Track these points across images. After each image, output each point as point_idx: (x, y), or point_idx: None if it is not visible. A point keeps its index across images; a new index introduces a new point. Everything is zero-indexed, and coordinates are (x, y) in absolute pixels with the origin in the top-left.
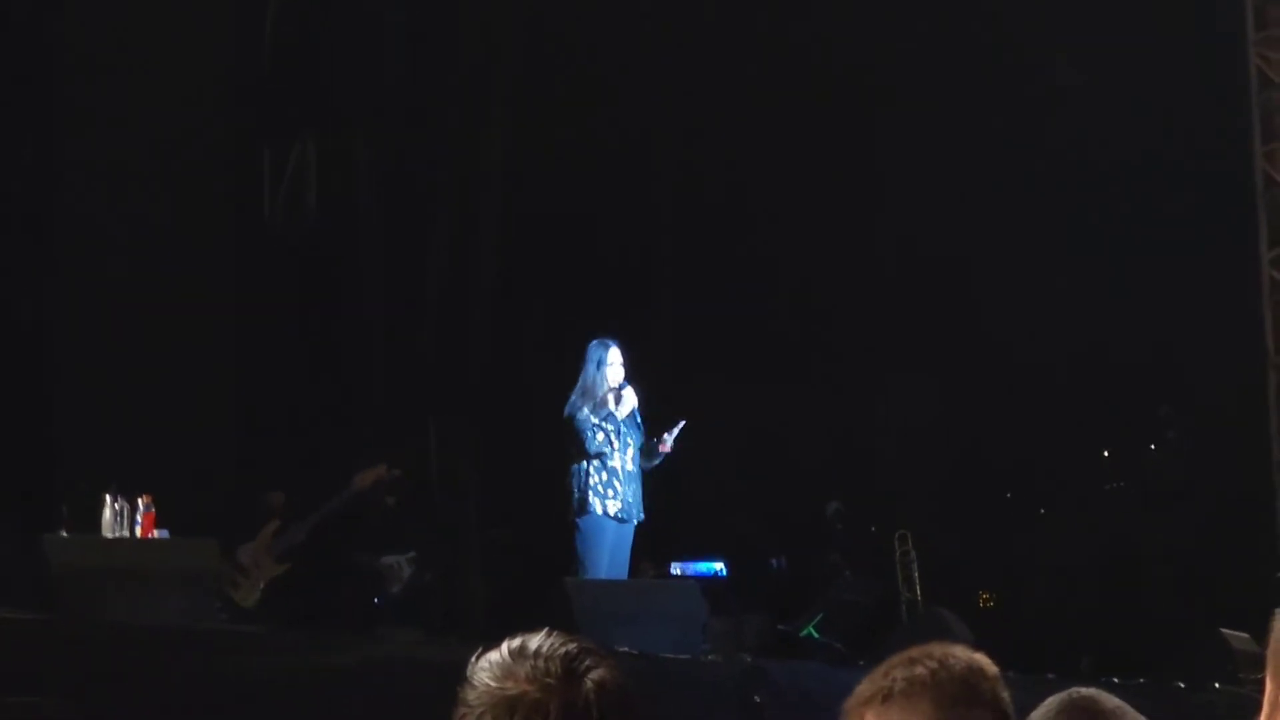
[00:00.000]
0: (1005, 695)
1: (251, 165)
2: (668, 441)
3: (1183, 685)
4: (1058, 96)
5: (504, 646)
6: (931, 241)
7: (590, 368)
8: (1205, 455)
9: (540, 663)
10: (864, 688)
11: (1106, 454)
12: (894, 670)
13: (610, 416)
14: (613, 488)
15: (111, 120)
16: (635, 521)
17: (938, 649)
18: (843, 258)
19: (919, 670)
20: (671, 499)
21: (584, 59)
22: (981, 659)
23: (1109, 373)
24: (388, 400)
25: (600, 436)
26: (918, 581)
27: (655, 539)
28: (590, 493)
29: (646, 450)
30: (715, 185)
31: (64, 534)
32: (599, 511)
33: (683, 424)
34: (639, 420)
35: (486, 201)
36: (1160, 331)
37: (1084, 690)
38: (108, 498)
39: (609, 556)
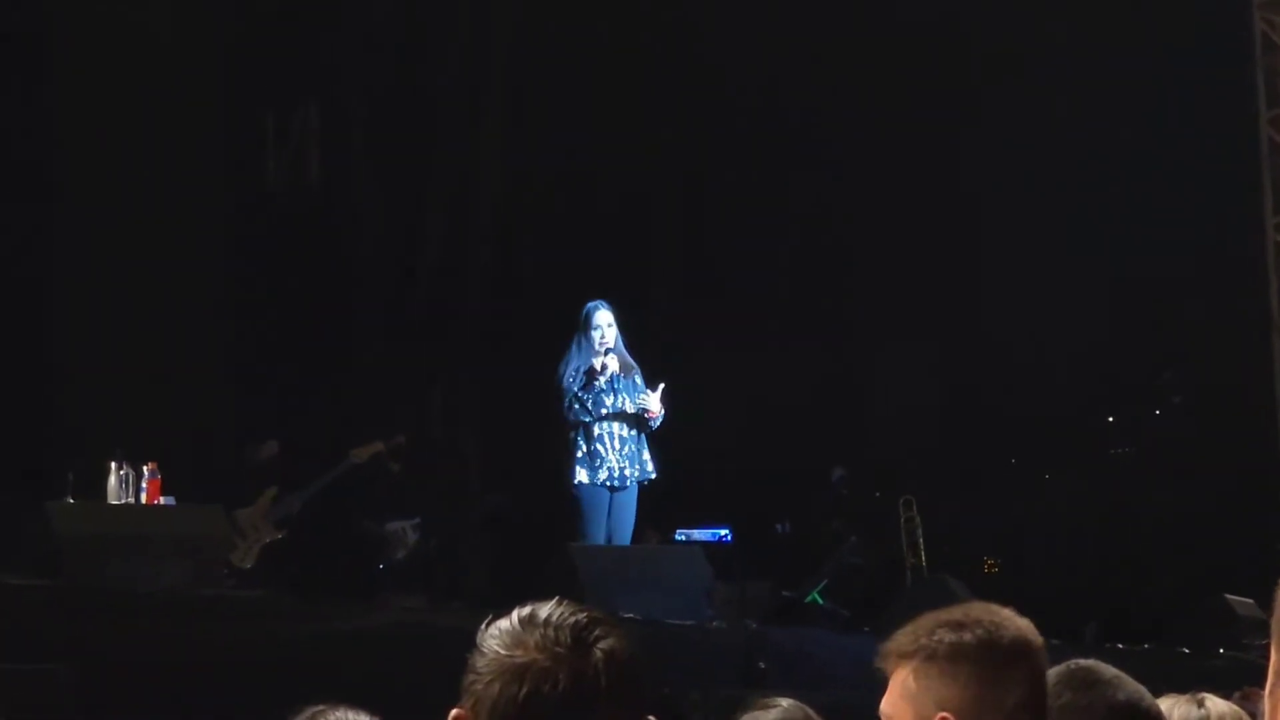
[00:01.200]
0: (1047, 668)
1: (253, 130)
2: (652, 407)
3: (1187, 651)
4: (1058, 63)
5: (514, 615)
6: (933, 204)
7: (578, 332)
8: (1210, 420)
9: (550, 631)
10: (905, 640)
11: (1111, 419)
12: (940, 631)
13: (592, 386)
14: (598, 455)
15: (113, 84)
16: (633, 483)
17: (986, 615)
18: (846, 223)
19: (966, 637)
20: (676, 465)
21: (585, 19)
22: (1029, 630)
23: (1114, 338)
24: (390, 366)
25: (578, 406)
26: (922, 547)
27: (660, 505)
28: (577, 464)
29: (637, 421)
30: (719, 151)
31: (69, 501)
32: (585, 480)
33: (661, 386)
34: (637, 381)
35: (487, 165)
36: (1165, 296)
37: (1083, 661)
38: (113, 465)
39: (607, 522)
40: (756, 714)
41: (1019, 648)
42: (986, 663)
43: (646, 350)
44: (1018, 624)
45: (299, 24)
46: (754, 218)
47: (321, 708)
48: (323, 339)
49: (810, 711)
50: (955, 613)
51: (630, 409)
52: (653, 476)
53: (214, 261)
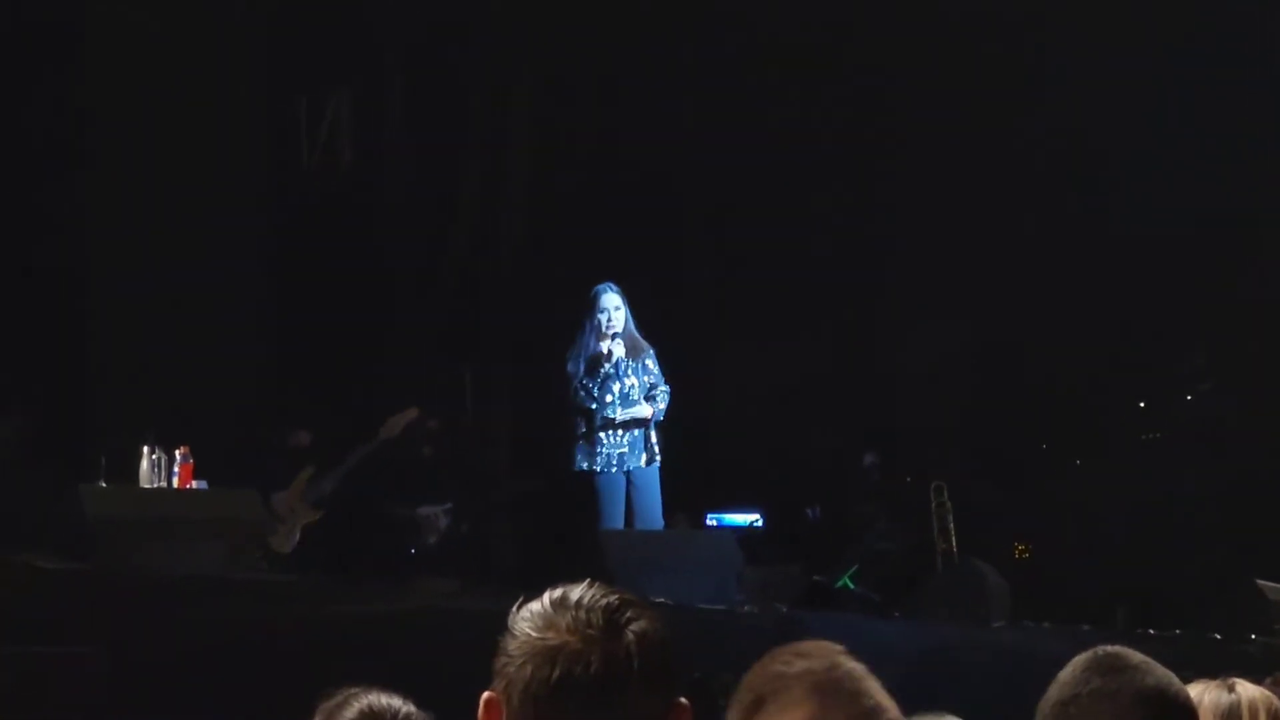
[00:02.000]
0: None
1: (288, 113)
2: (642, 415)
3: (1219, 636)
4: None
5: (545, 597)
6: (964, 185)
7: (585, 317)
8: (1240, 405)
9: (582, 613)
10: None
11: (1142, 405)
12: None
13: (597, 372)
14: (599, 442)
15: (147, 68)
16: (639, 469)
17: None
18: (878, 204)
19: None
20: (706, 450)
21: (615, 4)
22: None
23: (1144, 322)
24: (423, 351)
25: (583, 394)
26: (953, 532)
27: (690, 490)
28: (578, 451)
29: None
30: (748, 131)
31: (102, 484)
32: (584, 467)
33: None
34: (647, 364)
35: (519, 147)
36: (1195, 278)
37: (1110, 647)
38: (145, 448)
39: (623, 507)
40: None
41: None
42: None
43: (677, 332)
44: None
45: (333, 7)
46: (784, 200)
47: (354, 691)
48: (356, 323)
49: None
50: None
51: (637, 395)
52: (659, 461)
53: (248, 245)
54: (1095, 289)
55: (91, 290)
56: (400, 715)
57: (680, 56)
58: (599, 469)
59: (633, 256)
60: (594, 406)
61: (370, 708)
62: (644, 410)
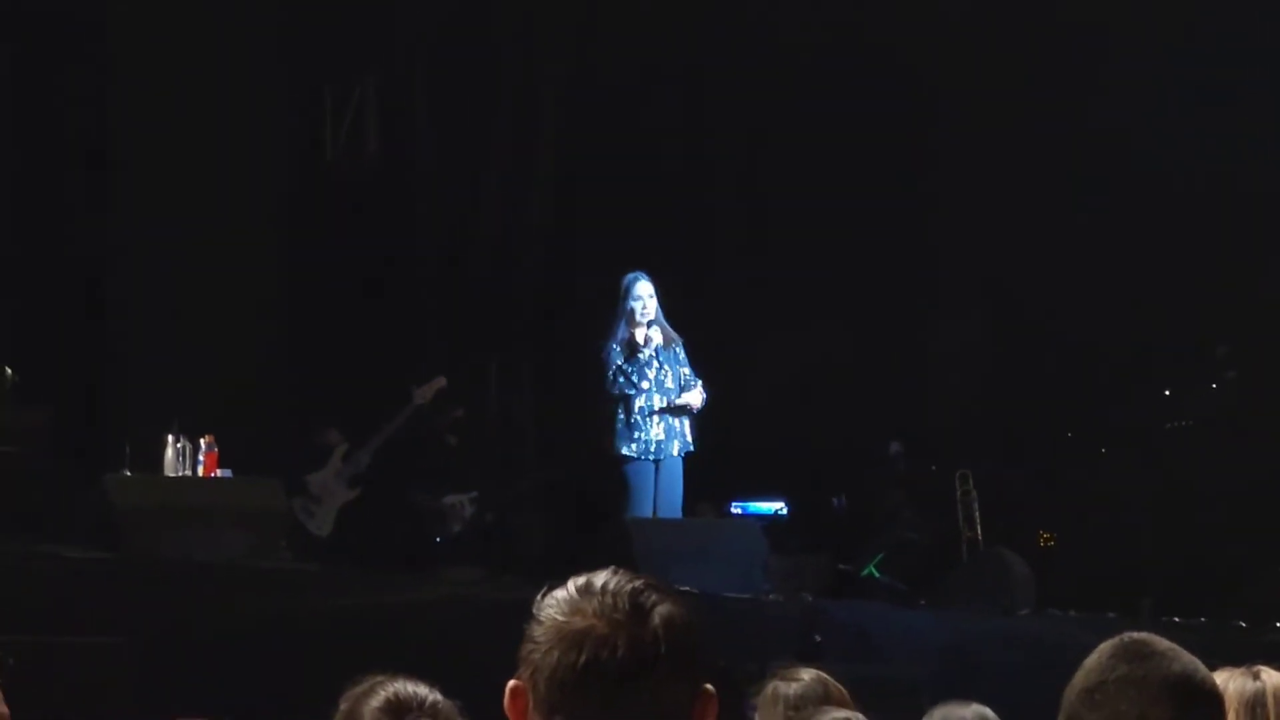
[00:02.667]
0: None
1: (312, 102)
2: (694, 403)
3: (1244, 625)
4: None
5: (570, 584)
6: (989, 174)
7: (619, 305)
8: (1265, 394)
9: (607, 598)
10: None
11: (1167, 393)
12: None
13: (635, 358)
14: (639, 428)
15: (170, 60)
16: (670, 456)
17: None
18: (903, 193)
19: None
20: (731, 439)
21: None
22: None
23: (1169, 310)
24: (446, 340)
25: (622, 379)
26: (978, 521)
27: (715, 479)
28: (617, 437)
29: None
30: (778, 121)
31: (126, 474)
32: (625, 452)
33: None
34: (679, 354)
35: (545, 135)
36: (1220, 267)
37: (1136, 634)
38: (170, 438)
39: (652, 494)
40: (778, 684)
41: None
42: None
43: (704, 321)
44: None
45: None
46: (810, 190)
47: (380, 679)
48: (381, 312)
49: (831, 681)
50: None
51: (671, 383)
52: (691, 449)
53: (272, 233)
54: (1121, 277)
55: (117, 280)
56: (427, 704)
57: (710, 40)
58: (637, 455)
59: (659, 246)
60: (632, 392)
61: (396, 696)
62: (694, 398)
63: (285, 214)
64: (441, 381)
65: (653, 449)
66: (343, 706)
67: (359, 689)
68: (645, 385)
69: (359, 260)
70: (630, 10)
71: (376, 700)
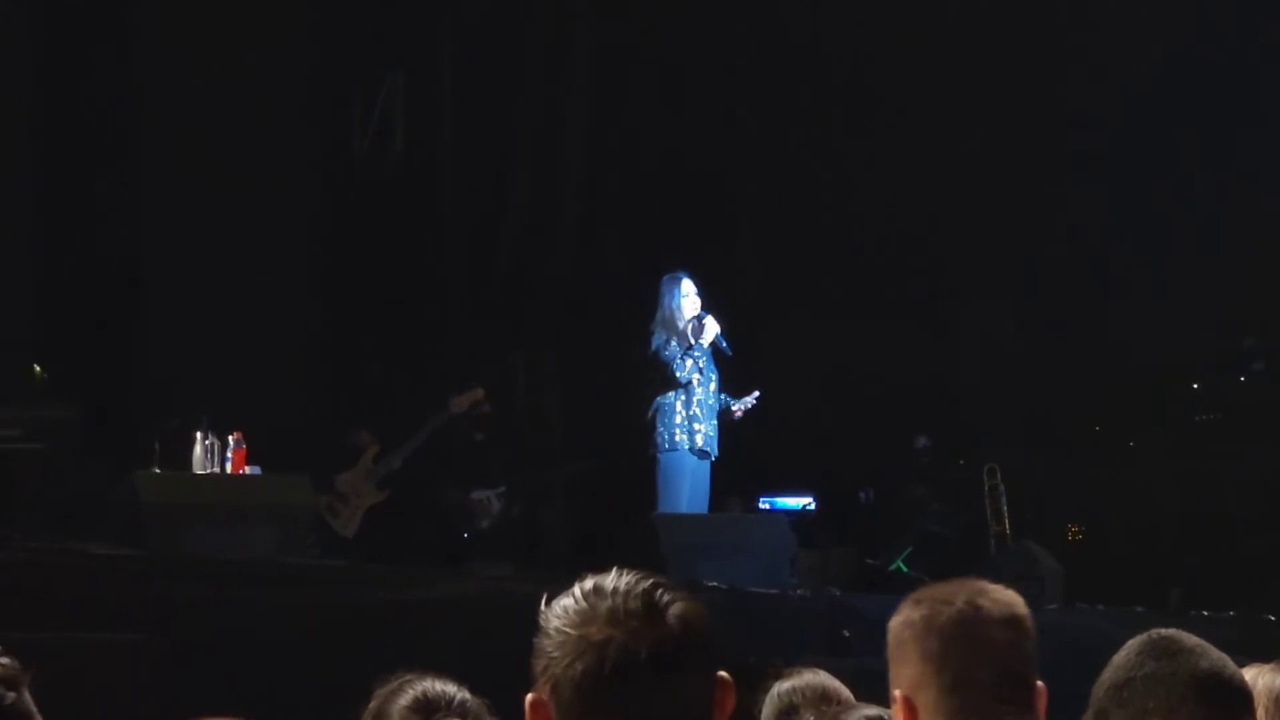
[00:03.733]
0: (1013, 643)
1: (340, 98)
2: (739, 411)
3: (1273, 618)
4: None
5: (576, 590)
6: (1015, 166)
7: (666, 301)
8: None
9: (619, 601)
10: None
11: (1195, 386)
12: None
13: (697, 345)
14: (697, 421)
15: (198, 55)
16: (714, 457)
17: (945, 591)
18: (928, 187)
19: (914, 616)
20: (759, 434)
21: None
22: (992, 606)
23: (1195, 304)
24: (474, 334)
25: (689, 364)
26: (1006, 514)
27: (743, 474)
28: (677, 429)
29: (719, 413)
30: (803, 114)
31: (155, 471)
32: (685, 446)
33: (757, 396)
34: (724, 349)
35: (571, 131)
36: (1246, 261)
37: (1164, 630)
38: (198, 434)
39: (689, 491)
40: (780, 683)
41: (956, 625)
42: (923, 640)
43: (729, 317)
44: (975, 600)
45: None
46: (834, 183)
47: (409, 677)
48: (408, 307)
49: (830, 679)
50: (928, 591)
51: (716, 382)
52: (717, 455)
53: (301, 231)
54: (1149, 269)
55: (146, 276)
56: (455, 702)
57: (734, 36)
58: (699, 449)
59: (686, 240)
60: (697, 378)
61: (425, 694)
62: (750, 400)
63: (313, 210)
64: (479, 393)
65: (708, 443)
66: (371, 705)
67: (387, 688)
68: (695, 379)
69: (387, 255)
70: (660, 3)
71: (405, 699)
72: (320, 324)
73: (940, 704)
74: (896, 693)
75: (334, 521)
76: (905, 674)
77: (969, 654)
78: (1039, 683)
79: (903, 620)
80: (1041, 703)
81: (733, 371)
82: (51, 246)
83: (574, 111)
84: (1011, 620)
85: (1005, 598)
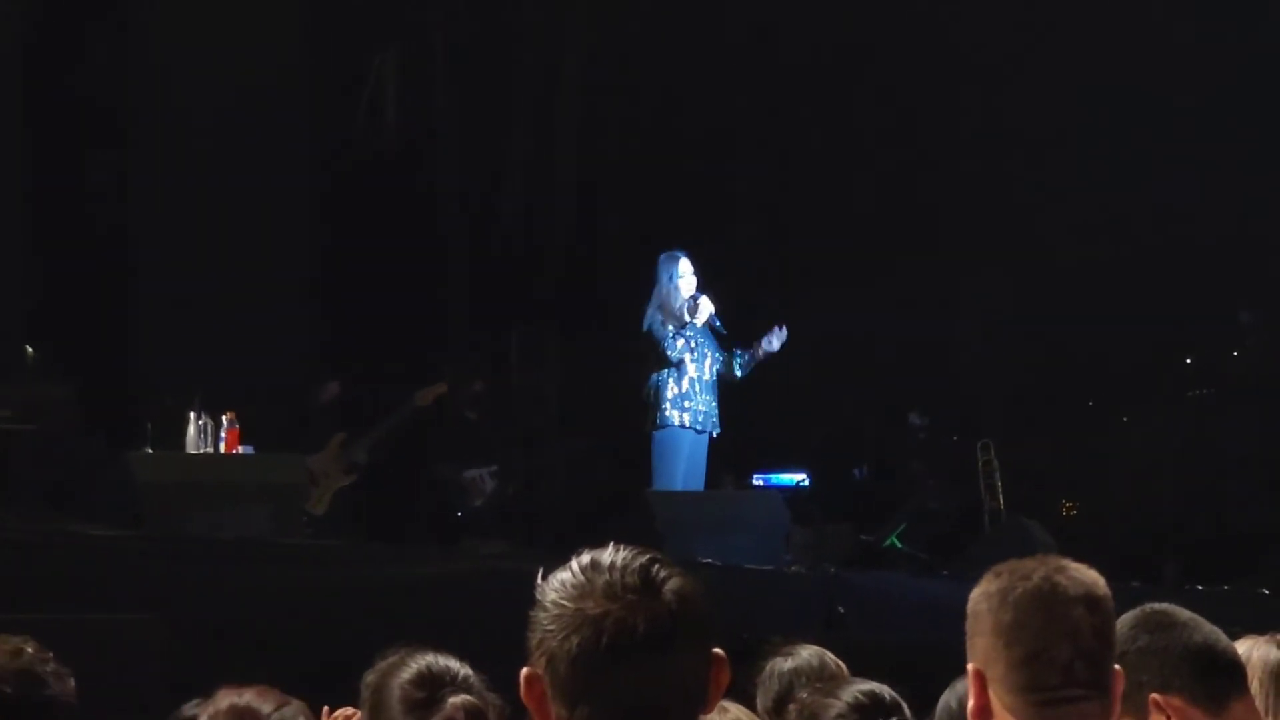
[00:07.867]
0: (1090, 621)
1: (335, 75)
2: (774, 343)
3: (1267, 592)
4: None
5: (573, 564)
6: (1010, 143)
7: (663, 280)
8: None
9: (616, 576)
10: None
11: (1188, 360)
12: (981, 583)
13: (690, 324)
14: (690, 398)
15: (192, 32)
16: (711, 433)
17: (1026, 567)
18: (923, 164)
19: (991, 589)
20: (752, 410)
21: None
22: (1070, 584)
23: (1191, 277)
24: (469, 311)
25: (680, 343)
26: (1000, 490)
27: (738, 450)
28: (668, 404)
29: (729, 364)
30: (798, 91)
31: (149, 451)
32: (676, 423)
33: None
34: (717, 328)
35: (568, 108)
36: (1243, 234)
37: (1158, 604)
38: (191, 415)
39: (684, 467)
40: (777, 660)
41: (1031, 599)
42: (997, 613)
43: (725, 293)
44: (1053, 576)
45: None
46: (833, 159)
47: (409, 651)
48: (404, 285)
49: (829, 656)
50: (1007, 565)
51: (712, 360)
52: (719, 430)
53: (296, 208)
54: (1143, 244)
55: (139, 257)
56: (459, 678)
57: (731, 14)
58: (690, 426)
59: (682, 216)
60: (689, 357)
61: (429, 669)
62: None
63: (308, 187)
64: (443, 388)
65: (702, 419)
66: (370, 679)
67: (387, 662)
68: (689, 357)
69: (381, 232)
70: None
71: (407, 673)
72: (315, 302)
73: (1009, 678)
74: (970, 665)
75: (305, 501)
76: (979, 646)
77: (1042, 629)
78: (1117, 667)
79: (980, 592)
80: (1119, 687)
81: (727, 348)
82: (46, 225)
83: (571, 85)
84: (1089, 599)
85: (1085, 576)
